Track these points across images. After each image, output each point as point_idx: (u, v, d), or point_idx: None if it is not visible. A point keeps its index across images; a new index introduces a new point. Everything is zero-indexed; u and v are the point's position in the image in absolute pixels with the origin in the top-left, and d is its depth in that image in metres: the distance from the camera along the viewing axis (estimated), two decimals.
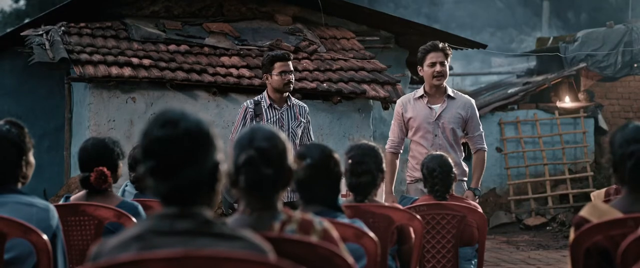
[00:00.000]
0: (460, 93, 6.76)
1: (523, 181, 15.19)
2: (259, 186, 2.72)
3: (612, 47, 16.01)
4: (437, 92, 6.57)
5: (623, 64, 16.02)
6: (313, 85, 9.17)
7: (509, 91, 16.49)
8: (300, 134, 6.90)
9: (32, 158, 3.75)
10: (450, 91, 6.62)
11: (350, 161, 4.35)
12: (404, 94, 9.85)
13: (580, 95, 15.94)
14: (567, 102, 15.83)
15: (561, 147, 15.49)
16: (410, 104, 6.63)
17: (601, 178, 15.31)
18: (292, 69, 6.71)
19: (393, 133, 6.73)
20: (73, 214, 4.47)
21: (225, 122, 9.22)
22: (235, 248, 2.15)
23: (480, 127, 6.72)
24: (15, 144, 3.68)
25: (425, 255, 5.31)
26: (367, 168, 4.39)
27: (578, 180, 15.39)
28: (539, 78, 16.69)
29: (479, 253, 5.53)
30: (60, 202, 4.62)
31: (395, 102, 9.67)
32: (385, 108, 9.71)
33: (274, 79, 6.66)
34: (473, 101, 6.72)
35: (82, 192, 4.69)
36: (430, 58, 6.48)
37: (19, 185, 3.72)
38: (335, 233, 2.87)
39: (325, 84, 9.34)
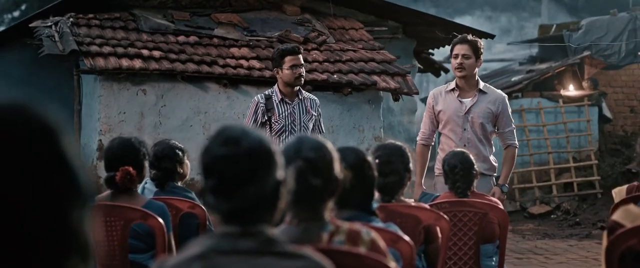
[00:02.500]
0: (492, 88, 6.74)
1: (527, 169, 15.20)
2: (307, 197, 2.70)
3: (616, 35, 15.99)
4: (468, 86, 6.56)
5: (627, 52, 16.01)
6: (324, 76, 9.14)
7: (513, 79, 16.48)
8: (311, 128, 6.89)
9: None
10: (482, 85, 6.60)
11: (377, 161, 4.33)
12: (414, 85, 9.85)
13: (584, 84, 15.93)
14: (571, 90, 15.82)
15: (565, 136, 15.50)
16: (441, 96, 6.63)
17: (605, 166, 15.34)
18: (302, 62, 6.69)
19: (424, 125, 6.73)
20: (99, 215, 4.45)
21: (236, 114, 9.20)
22: None
23: (512, 124, 6.71)
24: None
25: (446, 252, 5.30)
26: (394, 168, 4.39)
27: (582, 169, 15.40)
28: (543, 66, 16.66)
29: (500, 250, 5.53)
30: None
31: (405, 94, 9.66)
32: (396, 99, 9.68)
33: (285, 72, 6.63)
34: (505, 97, 6.70)
35: (107, 192, 4.67)
36: (456, 50, 6.50)
37: None
38: (382, 244, 2.86)
39: (335, 76, 9.31)
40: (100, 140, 8.80)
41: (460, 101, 6.56)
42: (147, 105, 8.99)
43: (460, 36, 6.62)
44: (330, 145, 2.82)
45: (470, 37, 6.58)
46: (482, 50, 6.58)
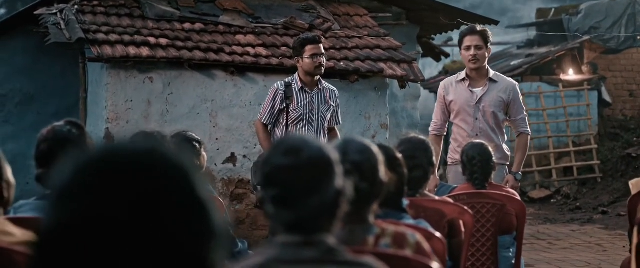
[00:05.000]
0: (503, 76, 6.75)
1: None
2: (353, 200, 2.69)
3: (616, 19, 16.02)
4: (478, 75, 6.56)
5: (626, 36, 16.05)
6: (331, 64, 9.11)
7: (512, 63, 16.50)
8: (329, 118, 6.90)
9: None
10: (492, 74, 6.60)
11: (400, 155, 4.34)
12: (420, 71, 9.84)
13: (584, 68, 15.97)
14: (570, 75, 15.86)
15: (565, 120, 15.54)
16: (452, 86, 6.62)
17: (605, 150, 15.38)
18: (323, 51, 6.73)
19: (436, 115, 6.73)
20: None
21: (243, 102, 9.17)
22: None
23: (524, 111, 6.72)
24: (77, 145, 3.63)
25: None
26: (418, 162, 4.38)
27: (582, 153, 15.46)
28: (542, 50, 16.71)
29: (518, 241, 5.55)
30: None
31: (412, 81, 9.65)
32: (402, 87, 9.67)
33: (306, 61, 6.66)
34: (516, 84, 6.71)
35: None
36: (466, 41, 6.48)
37: None
38: (427, 246, 2.87)
39: (342, 63, 9.29)
40: (108, 128, 8.77)
41: (471, 91, 6.56)
42: (154, 93, 8.96)
43: (469, 27, 6.64)
44: (375, 148, 2.82)
45: (479, 27, 6.59)
46: (490, 38, 6.58)
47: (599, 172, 15.05)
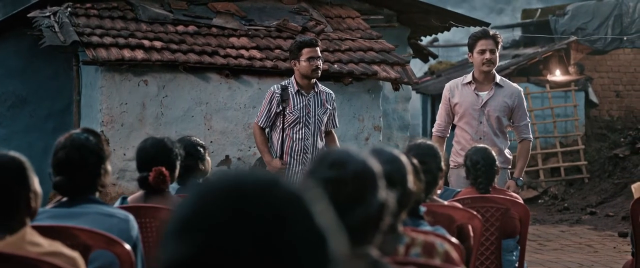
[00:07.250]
0: (508, 81, 6.78)
1: (514, 154, 15.29)
2: None
3: (602, 20, 16.12)
4: (485, 79, 6.59)
5: (613, 37, 16.16)
6: (324, 66, 9.10)
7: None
8: (325, 121, 6.91)
9: (109, 166, 3.70)
10: (498, 79, 6.63)
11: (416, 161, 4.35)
12: (413, 74, 9.87)
13: (571, 69, 16.06)
14: (557, 75, 15.95)
15: (552, 121, 15.62)
16: (457, 89, 6.65)
17: (592, 151, 15.48)
18: (319, 54, 6.73)
19: (440, 117, 6.76)
20: (134, 217, 4.43)
21: (237, 105, 9.17)
22: None
23: (527, 117, 6.77)
24: (95, 152, 3.61)
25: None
26: (427, 168, 4.38)
27: (569, 154, 15.55)
28: (529, 51, 16.79)
29: (521, 245, 5.59)
30: (117, 204, 4.57)
31: (406, 83, 9.68)
32: (396, 89, 9.70)
33: (302, 65, 6.66)
34: (521, 90, 6.76)
35: (140, 193, 4.65)
36: (481, 45, 6.49)
37: (97, 195, 3.68)
38: (455, 255, 2.89)
39: (336, 65, 9.30)
40: (102, 131, 8.74)
41: (476, 94, 6.59)
42: (148, 96, 8.94)
43: (482, 30, 6.65)
44: (404, 158, 2.83)
45: (491, 31, 6.61)
46: (501, 42, 6.65)
47: (586, 172, 15.15)
